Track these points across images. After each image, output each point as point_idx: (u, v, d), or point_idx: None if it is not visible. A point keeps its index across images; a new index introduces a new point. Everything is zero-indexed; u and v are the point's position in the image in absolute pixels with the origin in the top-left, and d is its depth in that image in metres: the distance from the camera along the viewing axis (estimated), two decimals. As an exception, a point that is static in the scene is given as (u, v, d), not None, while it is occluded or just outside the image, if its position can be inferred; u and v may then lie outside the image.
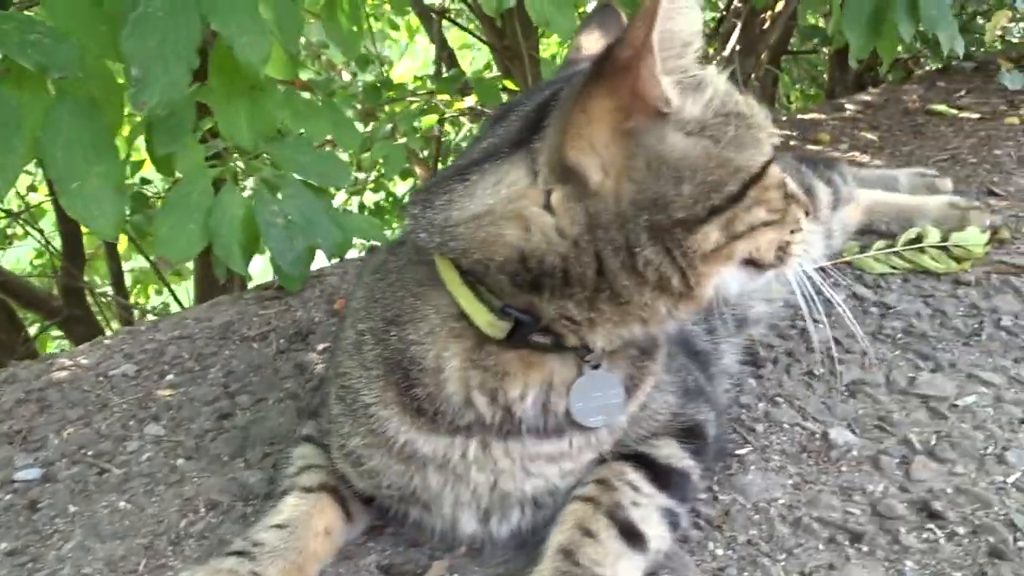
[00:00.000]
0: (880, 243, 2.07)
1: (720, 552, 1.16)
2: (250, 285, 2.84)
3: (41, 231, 4.56)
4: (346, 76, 5.27)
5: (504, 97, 3.72)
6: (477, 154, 1.04)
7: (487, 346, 1.04)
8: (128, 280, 5.18)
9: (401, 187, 5.44)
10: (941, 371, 1.56)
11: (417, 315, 1.07)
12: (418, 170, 4.80)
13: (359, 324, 1.16)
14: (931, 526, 1.17)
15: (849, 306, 1.82)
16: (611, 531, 1.06)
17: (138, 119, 2.03)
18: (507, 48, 3.94)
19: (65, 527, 1.35)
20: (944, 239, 2.01)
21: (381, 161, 3.88)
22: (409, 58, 7.20)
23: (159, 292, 5.62)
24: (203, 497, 1.38)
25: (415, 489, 1.13)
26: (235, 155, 2.05)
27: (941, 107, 3.62)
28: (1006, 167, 2.73)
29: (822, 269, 1.17)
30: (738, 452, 1.37)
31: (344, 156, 3.71)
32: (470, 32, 5.02)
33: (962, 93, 3.91)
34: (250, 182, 2.02)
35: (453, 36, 5.67)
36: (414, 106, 4.00)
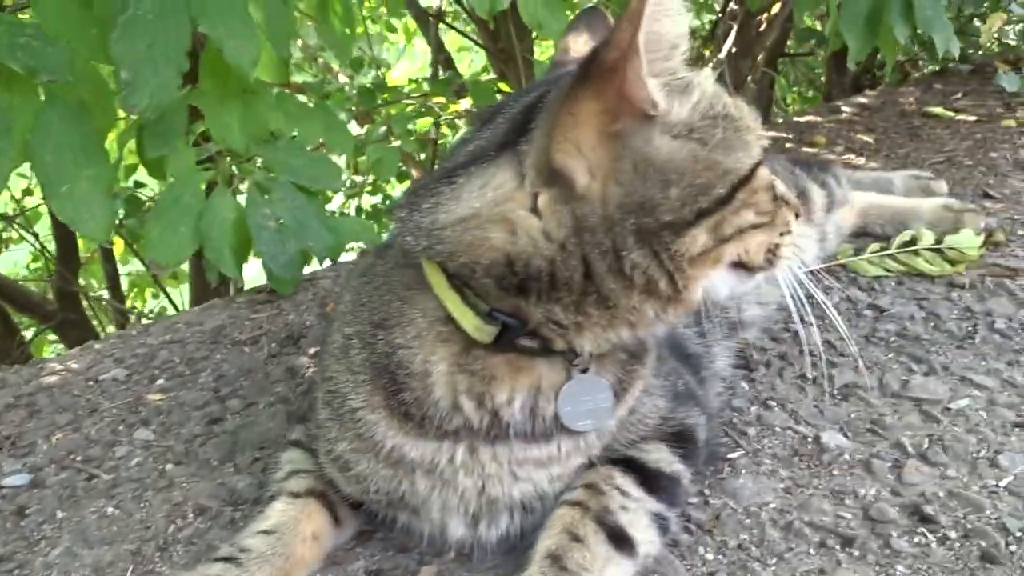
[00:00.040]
0: (874, 246, 2.07)
1: (710, 557, 1.15)
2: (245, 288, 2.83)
3: (36, 235, 4.55)
4: (343, 79, 5.26)
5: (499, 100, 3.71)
6: (464, 157, 1.03)
7: (474, 350, 1.03)
8: (125, 284, 5.17)
9: (398, 190, 5.44)
10: (934, 374, 1.56)
11: (404, 319, 1.06)
12: (414, 173, 4.79)
13: (346, 328, 1.15)
14: (923, 530, 1.16)
15: (843, 309, 1.82)
16: (599, 536, 1.05)
17: (130, 121, 2.03)
18: (501, 51, 3.94)
19: (53, 533, 1.34)
20: (938, 242, 2.00)
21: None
22: (407, 61, 7.19)
23: (156, 296, 5.61)
24: (192, 502, 1.37)
25: (403, 494, 1.12)
26: (227, 158, 2.04)
27: (938, 109, 3.62)
28: (1002, 169, 2.72)
29: (811, 272, 1.16)
30: (730, 456, 1.36)
31: (341, 160, 3.70)
32: (465, 35, 5.01)
33: (959, 95, 3.91)
34: (242, 185, 2.01)
35: (451, 39, 5.66)
36: (409, 109, 4.00)
